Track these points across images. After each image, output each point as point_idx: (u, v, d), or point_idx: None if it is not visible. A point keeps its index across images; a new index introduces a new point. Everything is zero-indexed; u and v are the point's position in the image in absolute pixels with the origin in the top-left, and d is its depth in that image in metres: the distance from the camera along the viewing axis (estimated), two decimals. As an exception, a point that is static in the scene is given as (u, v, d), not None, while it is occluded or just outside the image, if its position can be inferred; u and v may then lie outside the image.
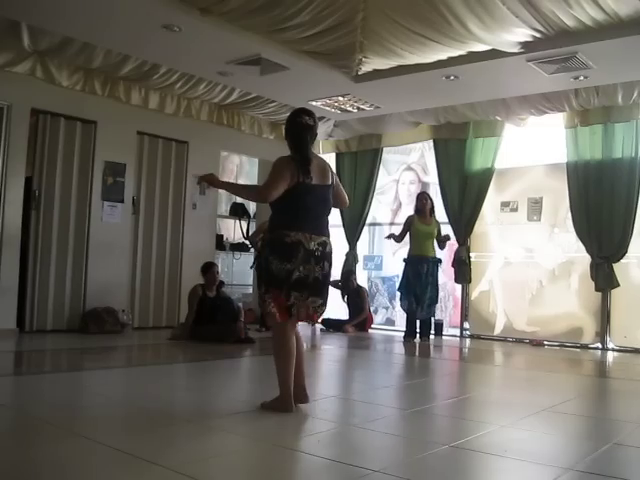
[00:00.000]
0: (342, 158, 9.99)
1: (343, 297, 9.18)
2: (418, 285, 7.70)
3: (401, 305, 8.05)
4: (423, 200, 7.90)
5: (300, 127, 3.55)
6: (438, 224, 7.95)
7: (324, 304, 3.57)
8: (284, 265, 3.37)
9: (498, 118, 8.31)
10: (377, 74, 7.29)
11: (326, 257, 3.50)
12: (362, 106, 8.49)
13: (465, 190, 8.62)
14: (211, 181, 3.77)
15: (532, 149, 8.50)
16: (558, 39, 6.05)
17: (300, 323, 3.64)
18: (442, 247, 7.96)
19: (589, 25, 5.77)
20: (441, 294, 8.55)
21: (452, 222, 8.66)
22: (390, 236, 8.16)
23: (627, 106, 7.38)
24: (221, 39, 6.30)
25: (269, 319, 3.51)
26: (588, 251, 7.69)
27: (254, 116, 9.14)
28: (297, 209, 3.44)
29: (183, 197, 8.46)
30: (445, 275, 9.03)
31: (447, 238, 7.94)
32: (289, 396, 3.44)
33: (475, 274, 8.63)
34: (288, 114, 3.75)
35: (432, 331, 8.20)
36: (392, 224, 10.05)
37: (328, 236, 3.56)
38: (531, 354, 7.18)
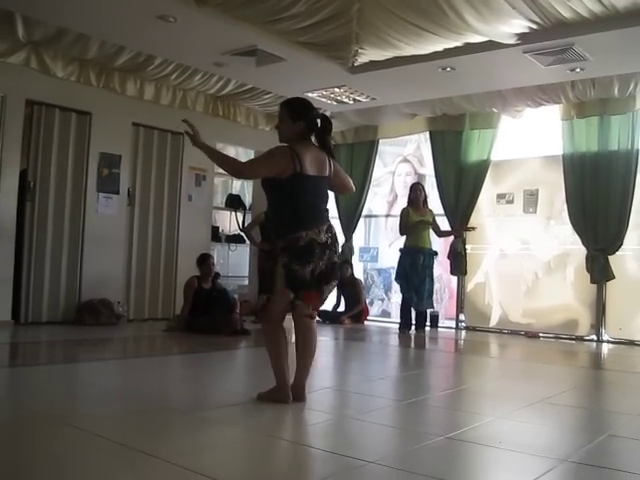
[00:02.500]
0: (338, 150, 9.93)
1: (338, 287, 9.18)
2: (415, 276, 7.68)
3: (401, 290, 7.95)
4: (417, 191, 7.87)
5: (316, 119, 3.56)
6: (432, 213, 7.94)
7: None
8: (306, 267, 3.37)
9: (494, 110, 8.30)
10: (373, 65, 7.26)
11: (335, 239, 3.53)
12: (358, 97, 8.47)
13: (461, 182, 8.60)
14: (193, 138, 3.61)
15: (528, 141, 8.49)
16: (555, 31, 6.03)
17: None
18: (439, 235, 7.96)
19: (586, 17, 5.76)
20: (437, 286, 8.55)
21: (448, 214, 8.65)
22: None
23: (623, 98, 7.38)
24: (217, 30, 6.27)
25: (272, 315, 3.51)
26: (584, 243, 7.70)
27: (250, 107, 9.11)
28: (298, 205, 3.42)
29: (179, 189, 8.44)
30: (441, 267, 9.03)
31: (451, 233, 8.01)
32: (285, 386, 3.45)
33: (471, 266, 8.63)
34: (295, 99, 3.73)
35: (427, 323, 8.20)
36: (388, 216, 10.05)
37: (329, 220, 3.57)
38: (526, 346, 7.20)
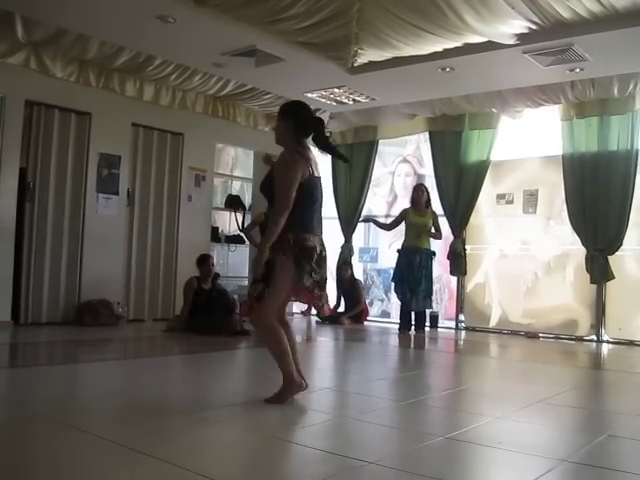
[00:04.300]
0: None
1: (338, 288, 9.19)
2: (411, 276, 7.69)
3: (397, 296, 8.05)
4: (419, 192, 7.89)
5: (312, 117, 3.65)
6: (434, 216, 7.93)
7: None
8: (309, 264, 3.42)
9: (494, 110, 8.30)
10: (373, 66, 7.27)
11: (326, 256, 3.59)
12: (358, 98, 8.47)
13: (461, 182, 8.61)
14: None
15: (528, 141, 8.49)
16: (554, 31, 6.04)
17: (295, 316, 3.66)
18: (436, 237, 7.95)
19: (585, 17, 5.76)
20: (436, 286, 8.55)
21: (448, 214, 8.66)
22: (367, 220, 8.29)
23: (623, 98, 7.38)
24: (216, 30, 6.27)
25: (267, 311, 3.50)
26: (583, 243, 7.70)
27: (249, 108, 9.11)
28: (311, 205, 3.50)
29: (178, 189, 8.44)
30: (440, 267, 9.03)
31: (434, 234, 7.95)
32: (294, 378, 3.44)
33: (470, 266, 8.64)
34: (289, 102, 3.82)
35: (427, 323, 8.20)
36: (387, 216, 10.05)
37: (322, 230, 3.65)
38: (526, 346, 7.20)
